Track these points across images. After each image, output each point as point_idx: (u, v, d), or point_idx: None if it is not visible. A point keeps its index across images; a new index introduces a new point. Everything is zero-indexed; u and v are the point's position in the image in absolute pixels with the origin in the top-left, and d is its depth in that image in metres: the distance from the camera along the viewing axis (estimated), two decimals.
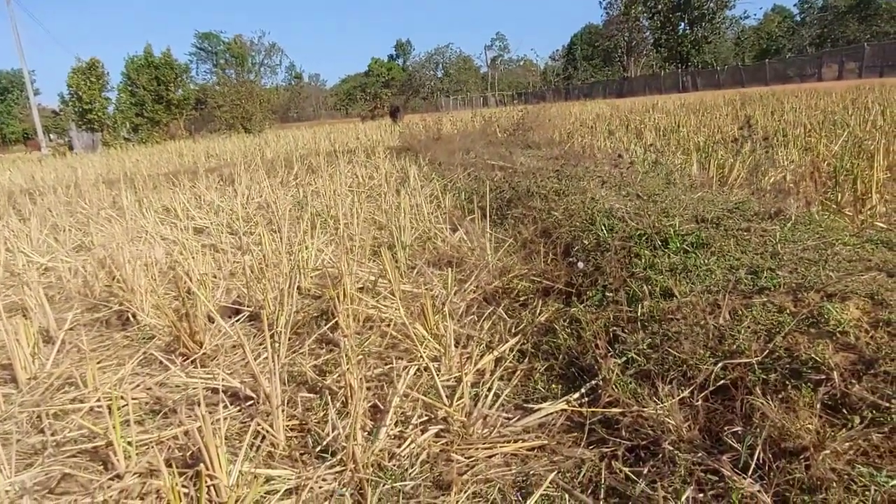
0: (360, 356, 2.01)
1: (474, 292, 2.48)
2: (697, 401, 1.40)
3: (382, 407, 1.66)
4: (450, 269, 2.82)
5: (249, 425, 1.62)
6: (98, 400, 1.84)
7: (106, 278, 3.21)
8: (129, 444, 1.50)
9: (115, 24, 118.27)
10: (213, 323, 2.38)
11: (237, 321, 2.44)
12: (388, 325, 2.20)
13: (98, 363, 2.17)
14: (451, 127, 13.70)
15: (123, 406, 1.71)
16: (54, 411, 1.83)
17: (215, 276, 3.06)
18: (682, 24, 45.94)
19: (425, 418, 1.59)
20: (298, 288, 2.74)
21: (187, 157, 12.51)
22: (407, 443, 1.50)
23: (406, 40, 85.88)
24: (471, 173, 5.40)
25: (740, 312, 1.60)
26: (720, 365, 1.43)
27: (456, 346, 1.95)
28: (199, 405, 1.41)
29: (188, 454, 1.51)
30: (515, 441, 1.47)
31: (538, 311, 2.15)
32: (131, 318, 2.60)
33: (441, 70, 76.90)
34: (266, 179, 7.54)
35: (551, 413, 1.56)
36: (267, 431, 1.56)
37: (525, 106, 22.79)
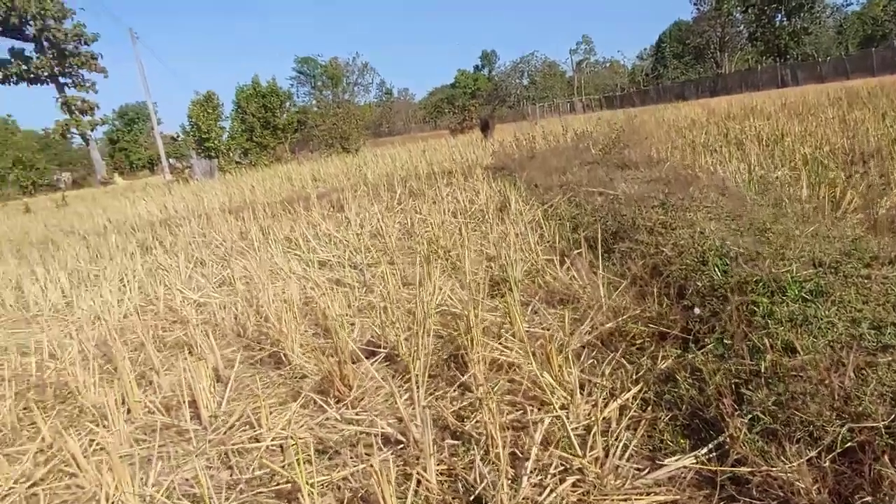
0: (494, 402, 2.18)
1: (589, 333, 2.60)
2: (825, 463, 1.46)
3: (520, 454, 1.83)
4: (564, 308, 2.95)
5: (404, 469, 1.84)
6: (273, 439, 2.13)
7: (254, 316, 3.59)
8: (310, 484, 1.75)
9: (226, 54, 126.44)
10: (356, 364, 2.64)
11: (375, 362, 2.69)
12: (516, 371, 2.36)
13: (266, 402, 2.47)
14: (543, 141, 13.74)
15: (295, 445, 1.97)
16: (237, 449, 2.14)
17: (349, 314, 3.34)
18: (779, 15, 43.30)
19: (561, 468, 1.74)
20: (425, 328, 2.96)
21: (296, 181, 13.30)
22: (547, 492, 1.65)
23: (491, 51, 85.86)
24: (571, 199, 5.48)
25: (865, 372, 1.64)
26: (846, 427, 1.49)
27: (580, 392, 2.08)
28: (359, 447, 1.63)
29: (359, 496, 1.74)
30: (648, 494, 1.59)
31: (657, 358, 2.24)
32: (283, 358, 2.91)
33: (526, 78, 76.49)
34: (373, 205, 7.94)
35: (680, 467, 1.66)
36: (421, 476, 1.77)
37: (614, 114, 22.32)
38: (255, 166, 24.09)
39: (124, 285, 5.03)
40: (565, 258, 3.71)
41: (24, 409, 2.76)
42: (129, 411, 2.48)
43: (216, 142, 23.76)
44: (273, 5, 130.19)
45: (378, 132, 67.66)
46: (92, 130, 45.25)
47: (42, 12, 39.38)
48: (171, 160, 42.07)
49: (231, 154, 24.19)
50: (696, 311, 2.32)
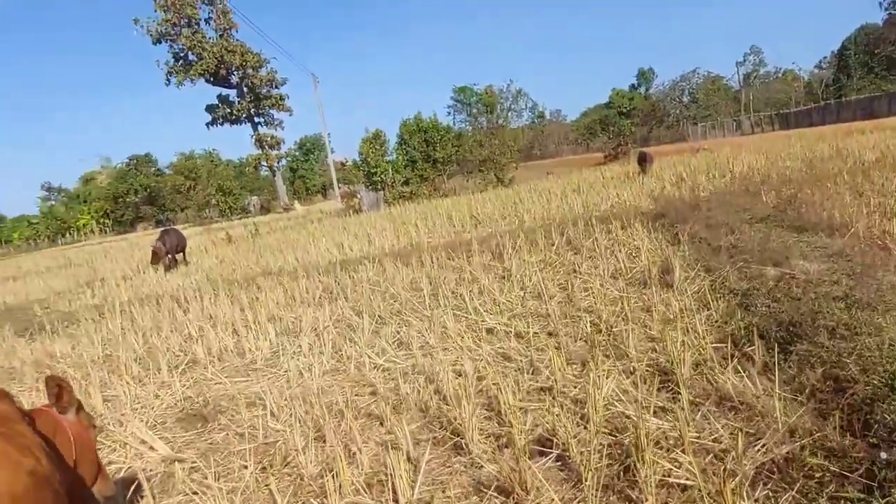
0: None
1: (763, 454, 2.58)
2: None
3: None
4: (736, 416, 2.94)
5: None
6: None
7: (432, 390, 3.97)
8: None
9: (390, 84, 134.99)
10: (532, 460, 2.86)
11: (548, 461, 2.89)
12: (688, 493, 2.43)
13: (453, 491, 2.78)
14: (707, 180, 13.10)
15: None
16: None
17: (520, 399, 3.58)
18: None
19: None
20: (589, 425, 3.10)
21: (456, 220, 13.91)
22: None
23: (648, 68, 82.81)
24: (740, 268, 5.29)
25: None
26: None
27: None
28: None
29: None
30: None
31: (838, 502, 2.20)
32: (462, 444, 3.21)
33: (687, 96, 72.64)
34: (531, 255, 8.16)
35: None
36: None
37: (788, 137, 20.64)
38: (416, 196, 25.48)
39: (318, 337, 5.71)
40: (736, 350, 3.65)
41: (261, 469, 3.33)
42: (340, 486, 2.91)
43: (383, 176, 25.50)
44: (434, 40, 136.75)
45: (529, 155, 68.04)
46: (278, 162, 50.77)
47: (244, 64, 45.19)
48: (339, 184, 45.73)
49: (395, 186, 25.80)
50: (883, 455, 2.23)
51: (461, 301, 6.14)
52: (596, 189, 15.47)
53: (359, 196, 25.06)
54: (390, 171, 26.25)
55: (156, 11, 44.36)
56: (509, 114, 79.65)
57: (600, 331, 4.65)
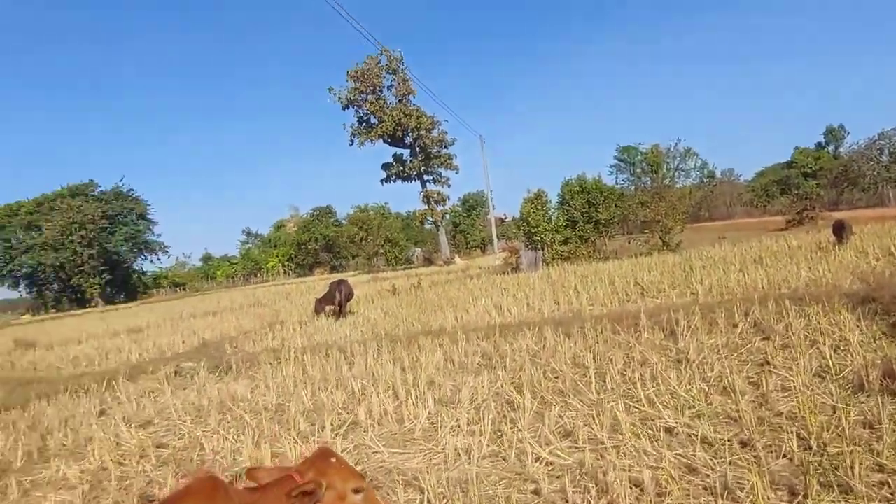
0: None
1: None
2: None
3: None
4: None
5: None
6: None
7: (603, 498, 3.48)
8: None
9: (552, 144, 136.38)
10: None
11: None
12: None
13: None
14: None
15: None
16: None
17: None
18: None
19: None
20: None
21: (619, 286, 13.11)
22: None
23: (838, 125, 74.97)
24: None
25: None
26: None
27: None
28: None
29: None
30: None
31: None
32: None
33: (887, 155, 64.17)
34: (709, 336, 7.27)
35: None
36: None
37: None
38: (575, 257, 24.76)
39: (477, 412, 5.44)
40: None
41: None
42: None
43: (543, 236, 25.22)
44: (598, 99, 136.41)
45: (697, 216, 63.93)
46: (442, 217, 52.87)
47: (418, 126, 48.34)
48: (501, 240, 46.21)
49: (555, 247, 25.35)
50: None
51: (631, 387, 5.55)
52: (781, 260, 13.78)
53: (519, 253, 24.94)
54: (550, 231, 25.89)
55: (347, 81, 49.34)
56: (676, 173, 75.94)
57: (809, 448, 3.84)
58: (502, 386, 6.19)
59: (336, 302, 14.81)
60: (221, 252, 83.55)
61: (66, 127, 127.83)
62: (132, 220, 74.69)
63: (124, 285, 72.30)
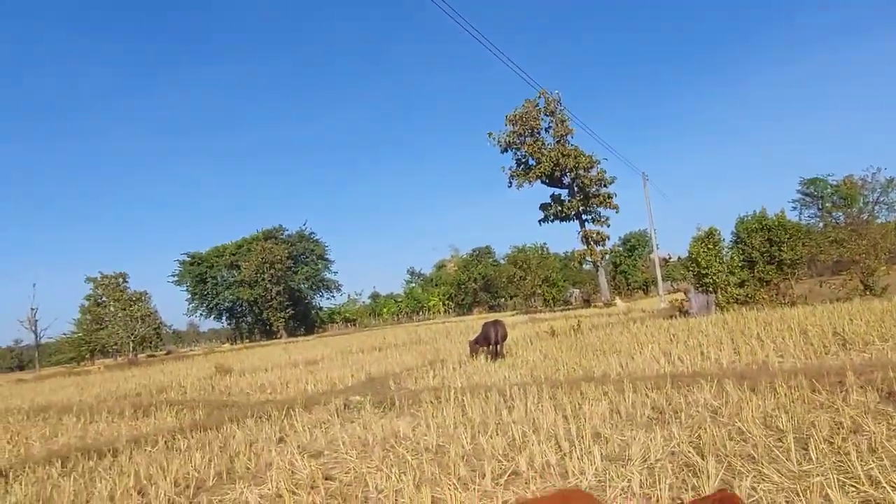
0: None
1: None
2: None
3: None
4: None
5: None
6: None
7: None
8: None
9: (723, 181, 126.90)
10: None
11: None
12: None
13: None
14: None
15: None
16: None
17: None
18: None
19: None
20: None
21: (813, 336, 11.44)
22: None
23: None
24: None
25: None
26: None
27: None
28: None
29: None
30: None
31: None
32: None
33: None
34: None
35: None
36: None
37: None
38: (754, 301, 22.29)
39: (650, 473, 4.87)
40: None
41: None
42: None
43: (715, 278, 23.12)
44: (773, 132, 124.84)
45: None
46: (602, 258, 51.08)
47: (577, 165, 47.69)
48: (666, 282, 43.41)
49: (730, 289, 23.09)
50: None
51: (843, 459, 4.63)
52: None
53: (688, 297, 23.06)
54: (724, 272, 23.67)
55: (505, 125, 50.40)
56: (876, 207, 66.28)
57: None
58: (678, 445, 5.52)
59: (492, 341, 14.70)
60: (388, 290, 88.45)
61: (261, 180, 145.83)
62: (312, 261, 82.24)
63: (304, 319, 79.34)
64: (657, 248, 41.50)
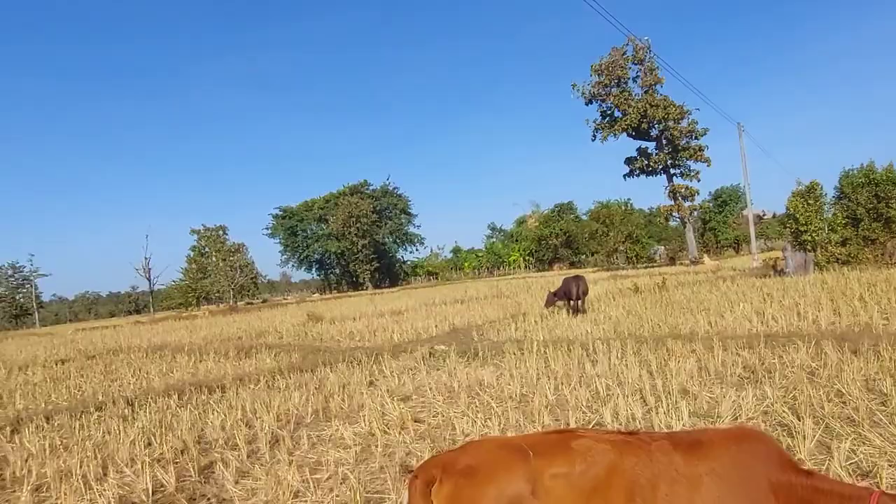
0: None
1: None
2: None
3: None
4: None
5: None
6: None
7: None
8: None
9: (827, 135, 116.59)
10: None
11: None
12: None
13: None
14: None
15: None
16: None
17: None
18: None
19: None
20: None
21: None
22: None
23: None
24: None
25: None
26: None
27: None
28: None
29: None
30: None
31: None
32: None
33: None
34: None
35: None
36: None
37: None
38: (857, 261, 20.66)
39: (738, 424, 4.75)
40: None
41: None
42: None
43: (814, 235, 21.58)
44: (884, 80, 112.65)
45: None
46: (690, 214, 48.75)
47: (666, 116, 45.21)
48: (758, 240, 40.99)
49: (830, 248, 21.50)
50: None
51: None
52: None
53: (785, 255, 21.71)
54: (825, 229, 22.03)
55: (591, 76, 48.33)
56: None
57: None
58: (772, 405, 5.33)
59: (574, 296, 14.56)
60: (469, 245, 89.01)
61: (346, 135, 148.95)
62: (396, 215, 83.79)
63: (389, 272, 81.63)
64: (751, 204, 39.01)
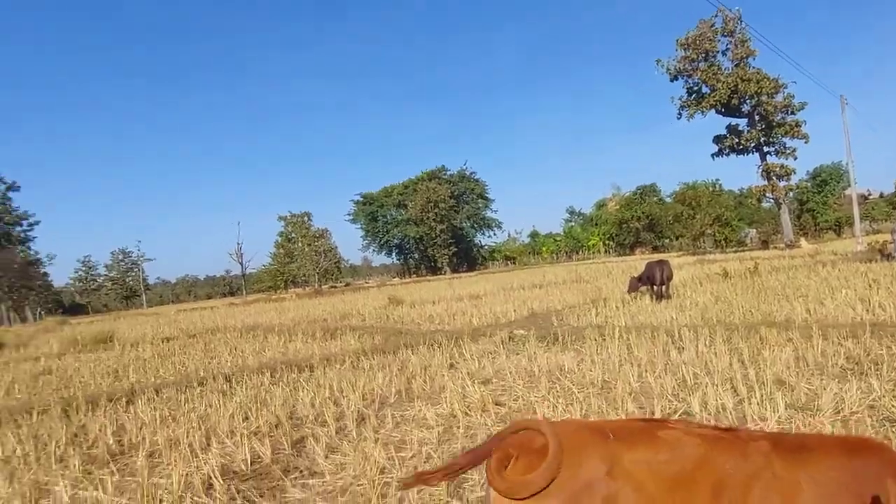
0: None
1: None
2: None
3: None
4: None
5: None
6: None
7: None
8: None
9: None
10: None
11: None
12: None
13: None
14: None
15: None
16: None
17: None
18: None
19: None
20: None
21: None
22: None
23: None
24: None
25: None
26: None
27: None
28: None
29: None
30: None
31: None
32: None
33: None
34: None
35: None
36: None
37: None
38: None
39: (844, 426, 4.45)
40: None
41: None
42: None
43: None
44: None
45: None
46: (785, 195, 45.65)
47: (759, 91, 42.37)
48: (863, 222, 37.85)
49: None
50: None
51: None
52: None
53: (893, 238, 19.94)
54: None
55: (676, 50, 46.00)
56: None
57: None
58: (879, 399, 4.94)
59: (657, 282, 14.06)
60: (547, 229, 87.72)
61: (424, 121, 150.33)
62: (473, 199, 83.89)
63: (466, 256, 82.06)
64: (855, 183, 36.03)
